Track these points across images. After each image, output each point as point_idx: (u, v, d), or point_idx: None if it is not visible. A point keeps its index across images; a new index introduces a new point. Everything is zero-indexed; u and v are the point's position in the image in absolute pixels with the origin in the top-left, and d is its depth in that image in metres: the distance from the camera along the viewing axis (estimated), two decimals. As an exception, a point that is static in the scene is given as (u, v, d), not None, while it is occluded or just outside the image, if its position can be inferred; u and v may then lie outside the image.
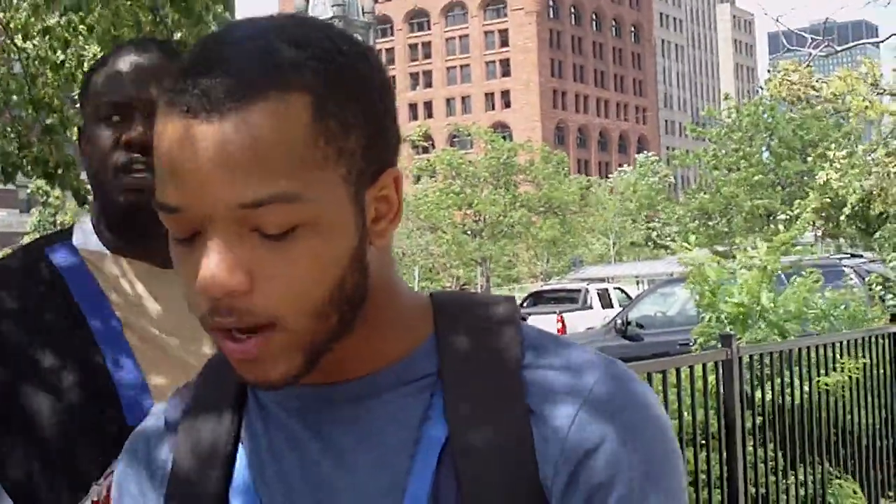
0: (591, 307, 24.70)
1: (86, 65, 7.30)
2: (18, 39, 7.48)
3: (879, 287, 8.39)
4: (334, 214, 0.84)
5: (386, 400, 0.91)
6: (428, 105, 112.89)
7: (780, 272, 6.38)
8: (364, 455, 0.90)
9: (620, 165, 78.86)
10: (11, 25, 7.46)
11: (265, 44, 0.84)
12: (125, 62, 1.56)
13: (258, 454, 0.94)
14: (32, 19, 7.27)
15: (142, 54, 1.56)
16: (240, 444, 0.95)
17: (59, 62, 7.31)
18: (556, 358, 0.92)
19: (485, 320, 0.94)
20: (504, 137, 59.88)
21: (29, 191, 42.11)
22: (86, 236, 1.61)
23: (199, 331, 1.48)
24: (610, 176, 71.77)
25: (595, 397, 0.88)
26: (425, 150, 70.99)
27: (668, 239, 53.14)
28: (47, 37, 7.22)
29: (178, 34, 6.81)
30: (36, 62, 7.40)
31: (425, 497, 0.88)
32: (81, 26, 7.06)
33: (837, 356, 5.73)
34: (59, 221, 45.51)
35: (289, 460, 0.92)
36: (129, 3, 6.69)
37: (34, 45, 7.38)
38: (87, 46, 7.36)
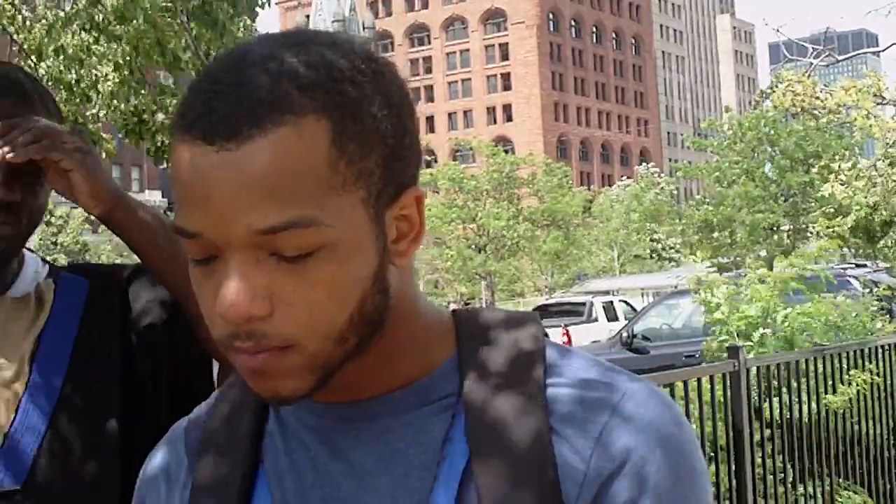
0: (596, 320, 24.80)
1: (100, 84, 7.37)
2: (34, 60, 7.55)
3: None
4: (354, 237, 0.83)
5: (407, 420, 0.90)
6: (430, 120, 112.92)
7: (791, 291, 6.35)
8: (385, 476, 0.89)
9: (623, 178, 78.85)
10: (26, 47, 7.51)
11: (280, 66, 0.81)
12: None
13: (279, 473, 0.93)
14: (46, 40, 7.31)
15: None
16: (260, 463, 0.94)
17: (74, 81, 7.35)
18: (579, 376, 0.89)
19: (507, 339, 0.92)
20: (506, 151, 59.91)
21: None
22: None
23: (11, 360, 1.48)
24: (610, 187, 71.77)
25: (619, 417, 0.87)
26: (428, 165, 71.02)
27: (672, 251, 53.23)
28: (61, 57, 7.27)
29: (205, 47, 6.85)
30: (51, 82, 7.44)
31: None
32: (95, 46, 7.10)
33: (845, 367, 5.72)
34: (60, 241, 45.46)
35: (309, 480, 0.91)
36: (166, 15, 6.68)
37: (48, 65, 7.43)
38: (100, 66, 7.40)
